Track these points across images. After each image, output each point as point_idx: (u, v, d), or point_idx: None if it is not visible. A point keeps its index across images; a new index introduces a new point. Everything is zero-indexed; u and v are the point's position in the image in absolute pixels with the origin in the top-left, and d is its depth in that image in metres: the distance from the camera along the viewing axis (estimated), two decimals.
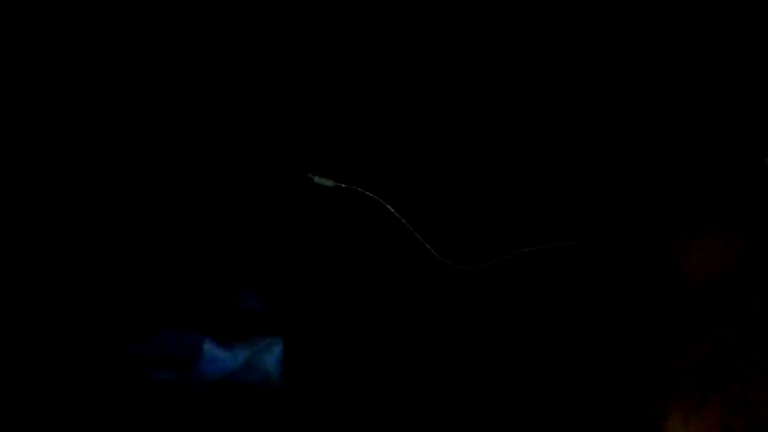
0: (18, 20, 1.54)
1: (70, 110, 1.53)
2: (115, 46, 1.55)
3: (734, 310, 1.46)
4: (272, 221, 1.51)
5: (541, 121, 1.58)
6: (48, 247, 1.45)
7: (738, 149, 1.55)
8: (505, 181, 1.56)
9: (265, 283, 1.47)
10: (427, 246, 1.51)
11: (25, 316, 1.41)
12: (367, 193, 1.52)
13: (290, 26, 1.58)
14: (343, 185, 1.53)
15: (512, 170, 1.57)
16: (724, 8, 1.57)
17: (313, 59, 1.58)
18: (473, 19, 1.60)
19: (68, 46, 1.54)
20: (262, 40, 1.58)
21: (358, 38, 1.59)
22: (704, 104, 1.57)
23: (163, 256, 1.46)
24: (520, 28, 1.60)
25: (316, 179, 1.52)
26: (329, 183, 1.52)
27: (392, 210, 1.52)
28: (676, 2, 1.58)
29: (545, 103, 1.59)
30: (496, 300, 1.51)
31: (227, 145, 1.54)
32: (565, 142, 1.58)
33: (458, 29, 1.60)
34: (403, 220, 1.52)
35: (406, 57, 1.60)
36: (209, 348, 1.41)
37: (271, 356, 1.43)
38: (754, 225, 1.50)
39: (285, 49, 1.58)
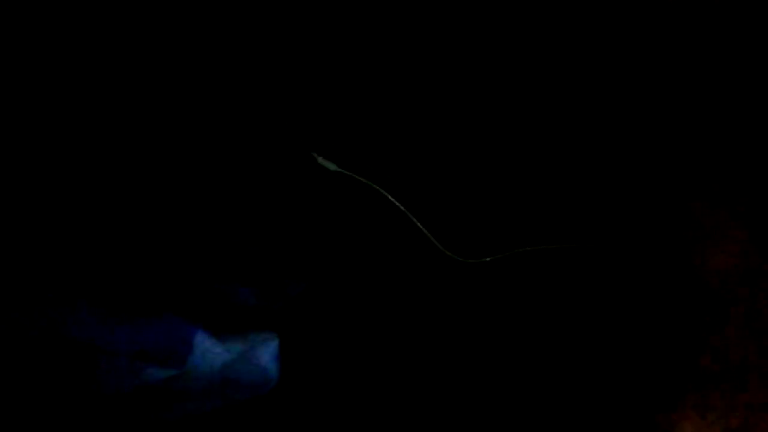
0: (18, 20, 1.49)
1: (56, 92, 1.48)
2: (112, 21, 1.50)
3: (745, 311, 1.47)
4: (270, 210, 1.47)
5: (553, 119, 1.56)
6: (36, 236, 1.41)
7: (742, 150, 1.54)
8: (516, 177, 1.53)
9: (259, 276, 1.43)
10: (431, 237, 1.48)
11: (9, 308, 1.37)
12: (370, 183, 1.49)
13: (298, 16, 1.55)
14: (346, 172, 1.49)
15: (524, 167, 1.54)
16: (723, 9, 1.57)
17: (323, 54, 1.55)
18: (486, 11, 1.58)
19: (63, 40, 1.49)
20: (269, 29, 1.54)
21: (369, 30, 1.54)
22: (711, 105, 1.57)
23: (154, 248, 1.42)
24: (534, 20, 1.57)
25: (320, 160, 1.48)
26: (332, 167, 1.48)
27: (393, 200, 1.49)
28: (675, 3, 1.57)
29: (557, 100, 1.57)
30: (502, 295, 1.48)
31: (226, 127, 1.50)
32: (578, 142, 1.56)
33: (470, 21, 1.57)
34: (405, 210, 1.49)
35: (414, 50, 1.55)
36: (201, 341, 1.37)
37: (267, 351, 1.38)
38: (761, 228, 1.50)
39: (292, 46, 1.54)
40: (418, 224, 1.48)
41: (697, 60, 1.58)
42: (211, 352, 1.35)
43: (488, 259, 1.49)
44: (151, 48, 1.50)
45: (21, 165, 1.42)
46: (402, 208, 1.48)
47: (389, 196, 1.48)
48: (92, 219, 1.41)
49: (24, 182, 1.41)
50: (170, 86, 1.49)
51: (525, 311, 1.48)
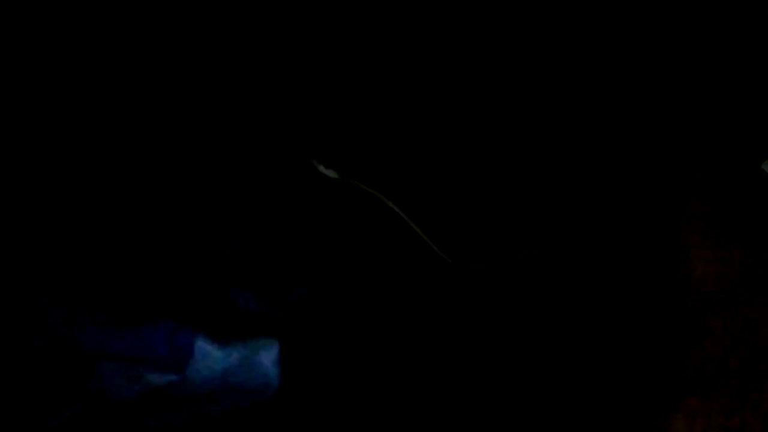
0: (17, 20, 1.49)
1: (58, 98, 1.48)
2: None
3: (738, 313, 1.47)
4: (271, 216, 1.47)
5: (550, 127, 1.58)
6: (35, 242, 1.40)
7: (735, 155, 1.55)
8: (516, 184, 1.54)
9: (260, 282, 1.43)
10: (431, 244, 1.48)
11: (9, 315, 1.36)
12: (370, 190, 1.49)
13: (297, 20, 1.55)
14: (346, 179, 1.49)
15: (524, 174, 1.55)
16: (721, 12, 1.58)
17: (322, 61, 1.55)
18: (485, 18, 1.59)
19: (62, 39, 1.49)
20: (268, 34, 1.54)
21: (368, 36, 1.55)
22: (702, 110, 1.58)
23: (154, 253, 1.41)
24: (532, 29, 1.59)
25: (321, 168, 1.48)
26: (332, 174, 1.48)
27: (394, 207, 1.49)
28: (674, 4, 1.58)
29: (555, 108, 1.58)
30: (500, 299, 1.48)
31: (226, 133, 1.50)
32: (571, 147, 1.57)
33: (469, 28, 1.58)
34: (406, 217, 1.48)
35: (414, 56, 1.56)
36: (202, 346, 1.36)
37: (267, 356, 1.37)
38: (753, 230, 1.51)
39: (292, 48, 1.55)
40: (419, 231, 1.48)
41: (690, 64, 1.60)
42: (211, 357, 1.34)
43: (488, 265, 1.49)
44: (150, 56, 1.50)
45: (20, 170, 1.42)
46: (402, 214, 1.48)
47: (390, 203, 1.48)
48: (91, 225, 1.40)
49: (23, 188, 1.41)
50: (171, 95, 1.49)
51: (523, 316, 1.48)
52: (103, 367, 1.32)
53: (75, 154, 1.43)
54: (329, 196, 1.50)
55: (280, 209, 1.47)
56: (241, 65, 1.52)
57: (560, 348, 1.46)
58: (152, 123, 1.47)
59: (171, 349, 1.33)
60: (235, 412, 1.36)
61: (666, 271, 1.50)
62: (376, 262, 1.48)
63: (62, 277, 1.35)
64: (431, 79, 1.56)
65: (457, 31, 1.58)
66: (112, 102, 1.47)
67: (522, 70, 1.58)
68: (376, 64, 1.56)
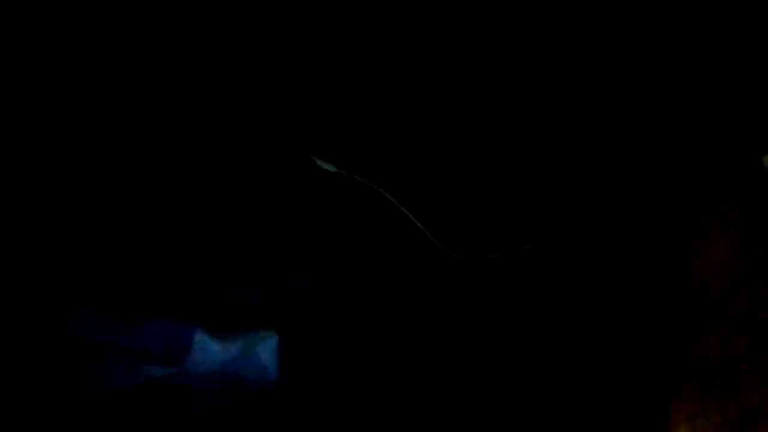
0: (17, 20, 1.49)
1: (55, 92, 1.47)
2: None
3: (739, 313, 1.47)
4: (269, 209, 1.46)
5: (553, 119, 1.57)
6: (35, 235, 1.39)
7: (736, 150, 1.55)
8: (517, 175, 1.53)
9: (259, 274, 1.42)
10: (430, 236, 1.47)
11: (7, 306, 1.35)
12: (369, 183, 1.49)
13: (294, 15, 1.55)
14: (345, 172, 1.49)
15: (525, 165, 1.54)
16: (721, 10, 1.59)
17: (319, 54, 1.55)
18: (486, 10, 1.59)
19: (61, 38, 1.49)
20: (265, 29, 1.54)
21: (367, 29, 1.55)
22: (704, 106, 1.58)
23: (152, 246, 1.40)
24: (536, 18, 1.59)
25: (319, 162, 1.48)
26: (331, 168, 1.48)
27: (393, 200, 1.48)
28: (673, 4, 1.59)
29: (558, 100, 1.58)
30: (500, 294, 1.48)
31: (224, 128, 1.49)
32: (577, 141, 1.57)
33: (470, 19, 1.58)
34: (405, 210, 1.48)
35: (413, 48, 1.56)
36: (200, 338, 1.35)
37: (266, 348, 1.37)
38: (755, 225, 1.51)
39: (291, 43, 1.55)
40: (418, 223, 1.48)
41: (695, 61, 1.60)
42: (209, 350, 1.33)
43: (489, 258, 1.48)
44: (148, 51, 1.49)
45: (20, 165, 1.41)
46: (402, 207, 1.48)
47: (388, 196, 1.48)
48: (89, 218, 1.40)
49: (23, 182, 1.40)
50: (168, 89, 1.49)
51: (524, 311, 1.47)
52: (100, 360, 1.31)
53: (70, 146, 1.43)
54: (327, 189, 1.49)
55: (278, 202, 1.46)
56: (238, 59, 1.52)
57: (562, 344, 1.46)
58: (150, 118, 1.47)
59: (169, 342, 1.32)
60: (234, 405, 1.35)
61: (666, 268, 1.50)
62: (376, 255, 1.47)
63: (60, 271, 1.35)
64: (431, 71, 1.56)
65: (459, 23, 1.58)
66: (108, 97, 1.46)
67: (521, 66, 1.58)
68: (375, 56, 1.56)
